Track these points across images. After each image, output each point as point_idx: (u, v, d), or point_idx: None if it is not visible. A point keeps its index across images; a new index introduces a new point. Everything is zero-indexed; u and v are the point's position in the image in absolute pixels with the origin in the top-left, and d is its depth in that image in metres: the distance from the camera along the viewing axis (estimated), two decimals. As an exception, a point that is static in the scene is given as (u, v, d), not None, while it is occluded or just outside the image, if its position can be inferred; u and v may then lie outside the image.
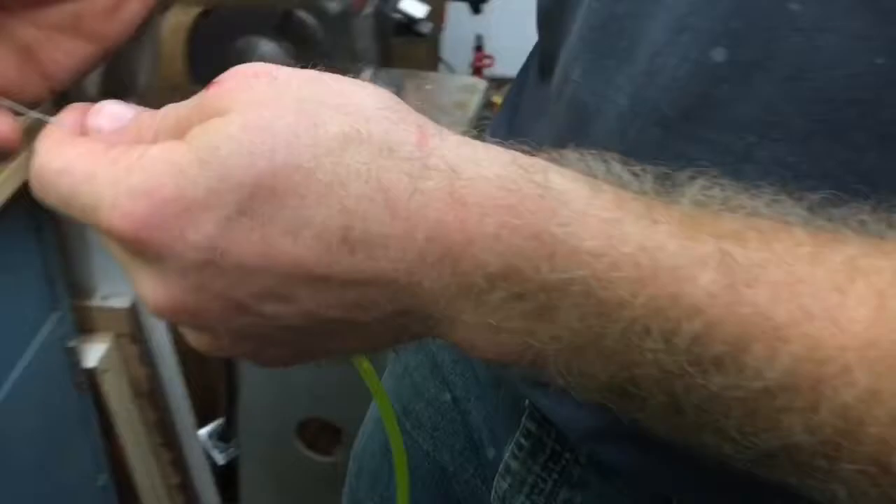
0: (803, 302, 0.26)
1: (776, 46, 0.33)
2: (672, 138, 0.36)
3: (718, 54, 0.35)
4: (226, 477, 1.45)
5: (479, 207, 0.26)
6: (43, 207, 0.29)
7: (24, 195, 0.89)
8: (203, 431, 1.43)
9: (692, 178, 0.29)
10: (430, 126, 0.28)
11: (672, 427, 0.29)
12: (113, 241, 0.28)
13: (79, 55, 0.34)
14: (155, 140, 0.28)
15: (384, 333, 0.30)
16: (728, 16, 0.34)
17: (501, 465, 0.48)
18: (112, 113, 0.30)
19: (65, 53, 0.34)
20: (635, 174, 0.29)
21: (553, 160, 0.28)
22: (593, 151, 0.29)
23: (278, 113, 0.26)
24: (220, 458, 1.45)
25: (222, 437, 1.45)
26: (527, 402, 0.46)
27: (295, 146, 0.26)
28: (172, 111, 0.29)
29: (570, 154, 0.29)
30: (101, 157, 0.27)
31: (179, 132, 0.27)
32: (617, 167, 0.29)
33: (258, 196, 0.26)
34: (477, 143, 0.28)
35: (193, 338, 0.30)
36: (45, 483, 1.07)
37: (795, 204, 0.28)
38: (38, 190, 0.29)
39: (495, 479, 0.49)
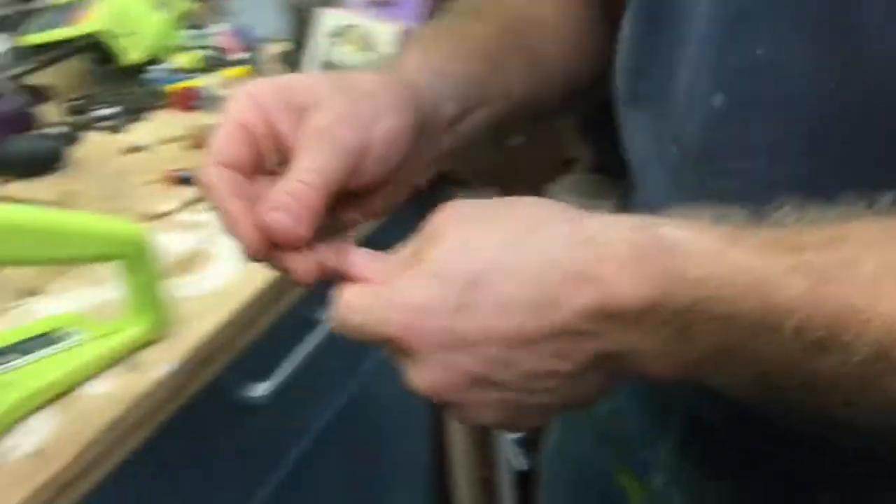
0: (876, 291, 0.33)
1: (754, 87, 0.42)
2: (710, 175, 0.45)
3: (717, 100, 0.44)
4: (526, 484, 1.51)
5: (617, 264, 0.35)
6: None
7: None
8: (510, 436, 1.50)
9: (774, 208, 0.36)
10: (581, 215, 0.37)
11: (815, 407, 0.36)
12: (391, 347, 0.38)
13: (356, 223, 0.47)
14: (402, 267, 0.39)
15: (587, 380, 0.38)
16: (718, 68, 0.44)
17: (657, 461, 0.56)
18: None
19: (350, 224, 0.46)
20: (731, 214, 0.36)
21: (668, 216, 0.37)
22: (698, 205, 0.37)
23: (471, 233, 0.38)
24: (521, 465, 1.52)
25: (526, 445, 1.52)
26: (678, 404, 0.54)
27: (487, 251, 0.37)
28: (410, 245, 0.40)
29: (679, 210, 0.37)
30: (373, 296, 0.39)
31: (416, 257, 0.39)
32: (717, 211, 0.36)
33: (470, 292, 0.36)
34: (612, 217, 0.37)
35: (452, 414, 0.39)
36: (385, 451, 1.19)
37: (863, 209, 0.35)
38: (339, 327, 0.40)
39: (650, 475, 0.57)
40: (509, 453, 1.51)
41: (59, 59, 1.16)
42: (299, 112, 0.43)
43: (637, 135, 0.53)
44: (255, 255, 0.42)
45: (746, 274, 0.34)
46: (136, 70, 1.10)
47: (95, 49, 1.11)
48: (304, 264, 0.42)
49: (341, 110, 0.44)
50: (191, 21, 1.19)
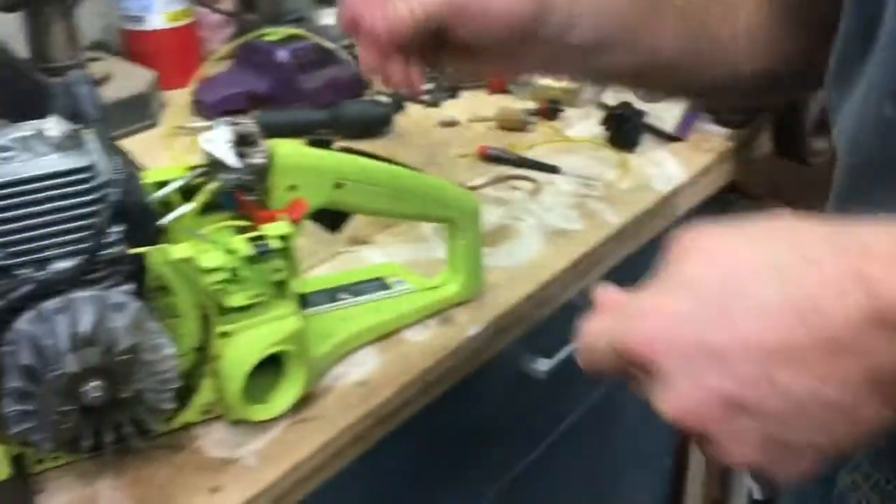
0: None
1: None
2: (882, 182, 0.44)
3: (888, 110, 0.45)
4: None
5: (888, 262, 0.32)
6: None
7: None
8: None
9: None
10: (836, 220, 0.34)
11: None
12: (636, 369, 0.35)
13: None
14: None
15: (860, 411, 0.33)
16: (889, 79, 0.44)
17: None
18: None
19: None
20: None
21: None
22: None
23: (720, 243, 0.35)
24: (757, 493, 1.46)
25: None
26: None
27: (740, 256, 0.34)
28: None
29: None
30: (614, 314, 0.37)
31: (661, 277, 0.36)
32: None
33: (723, 298, 0.33)
34: (873, 218, 0.34)
35: (707, 449, 0.35)
36: (625, 453, 1.20)
37: None
38: (583, 358, 0.39)
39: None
40: (748, 482, 1.47)
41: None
42: None
43: (833, 131, 0.53)
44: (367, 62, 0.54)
45: None
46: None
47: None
48: (396, 71, 0.53)
49: None
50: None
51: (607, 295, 0.39)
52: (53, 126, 0.51)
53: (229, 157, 0.56)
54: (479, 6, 0.51)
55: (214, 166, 0.58)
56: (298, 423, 0.60)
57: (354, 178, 0.61)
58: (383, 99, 1.05)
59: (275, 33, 1.05)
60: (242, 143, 0.57)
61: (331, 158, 0.61)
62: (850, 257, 0.32)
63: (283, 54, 1.02)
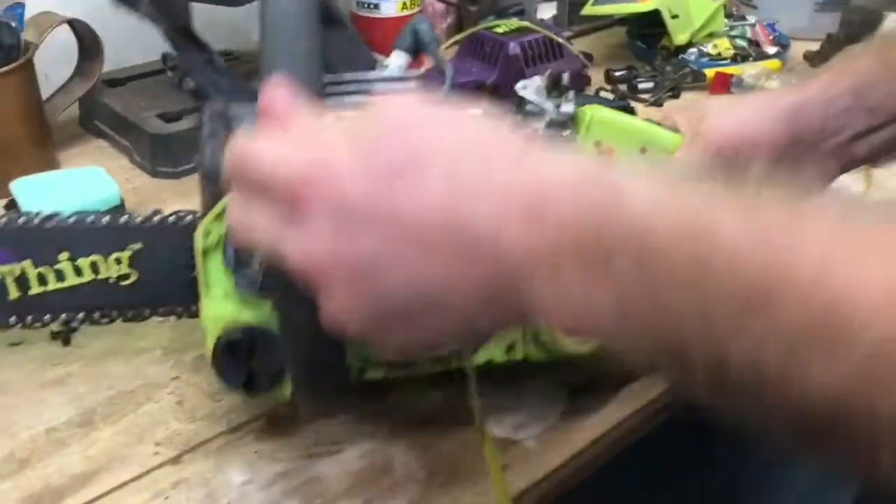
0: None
1: None
2: None
3: None
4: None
5: (555, 187, 0.33)
6: None
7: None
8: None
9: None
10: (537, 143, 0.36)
11: (724, 399, 0.31)
12: (276, 198, 0.34)
13: None
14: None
15: (468, 316, 0.34)
16: None
17: None
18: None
19: None
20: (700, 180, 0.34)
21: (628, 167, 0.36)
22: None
23: (415, 111, 0.35)
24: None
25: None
26: None
27: (425, 127, 0.34)
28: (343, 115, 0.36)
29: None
30: (279, 136, 0.35)
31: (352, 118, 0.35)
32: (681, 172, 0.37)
33: (406, 167, 0.33)
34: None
35: (324, 308, 0.34)
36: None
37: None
38: (231, 172, 0.36)
39: None
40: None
41: (599, 29, 1.26)
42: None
43: None
44: None
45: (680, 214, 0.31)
46: (671, 50, 1.16)
47: (636, 24, 1.19)
48: None
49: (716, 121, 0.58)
50: (727, 10, 1.23)
51: (277, 106, 0.37)
52: (395, 59, 0.56)
53: (545, 102, 0.57)
54: (735, 143, 0.57)
55: (525, 113, 0.59)
56: (571, 413, 0.60)
57: (660, 146, 0.60)
58: (609, 96, 1.05)
59: (503, 25, 1.07)
60: (555, 88, 0.58)
61: (638, 123, 0.61)
62: (524, 181, 0.33)
63: (514, 47, 1.03)
